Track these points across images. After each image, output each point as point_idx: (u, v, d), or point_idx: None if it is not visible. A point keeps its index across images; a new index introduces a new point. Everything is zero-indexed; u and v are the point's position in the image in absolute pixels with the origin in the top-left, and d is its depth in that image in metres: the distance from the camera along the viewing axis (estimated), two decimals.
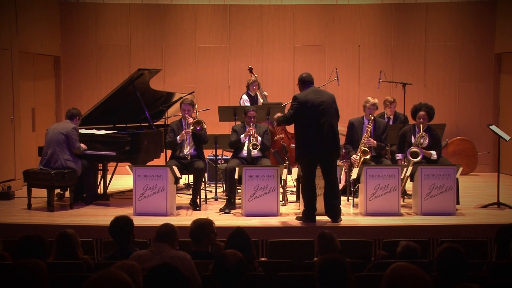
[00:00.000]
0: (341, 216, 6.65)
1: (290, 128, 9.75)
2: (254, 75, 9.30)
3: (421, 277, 2.74)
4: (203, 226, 4.64)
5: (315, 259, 4.91)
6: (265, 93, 9.30)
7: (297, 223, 6.67)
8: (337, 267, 3.27)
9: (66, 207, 7.47)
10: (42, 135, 7.60)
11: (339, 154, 6.84)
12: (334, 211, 6.58)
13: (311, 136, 6.45)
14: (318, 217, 6.64)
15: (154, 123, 8.27)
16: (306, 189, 6.59)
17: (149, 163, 7.96)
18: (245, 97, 9.06)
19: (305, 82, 6.66)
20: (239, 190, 7.55)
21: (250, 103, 8.89)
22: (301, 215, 6.70)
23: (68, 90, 10.67)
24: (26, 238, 4.04)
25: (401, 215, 6.97)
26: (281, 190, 7.49)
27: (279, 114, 6.83)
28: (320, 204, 6.69)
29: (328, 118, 6.47)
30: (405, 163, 7.46)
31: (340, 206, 6.66)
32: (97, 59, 10.73)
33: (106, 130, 8.04)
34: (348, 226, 6.54)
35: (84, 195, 7.81)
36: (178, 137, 7.56)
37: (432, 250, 5.99)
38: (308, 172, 6.56)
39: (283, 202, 7.61)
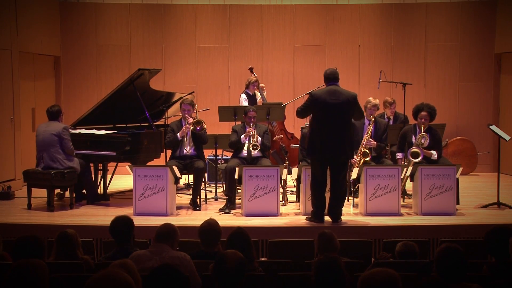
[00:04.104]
0: (341, 217, 6.65)
1: (290, 128, 9.80)
2: (254, 74, 9.31)
3: (390, 273, 2.83)
4: (217, 233, 4.60)
5: (315, 259, 4.92)
6: (262, 84, 9.31)
7: (297, 223, 6.67)
8: (333, 268, 3.28)
9: (66, 207, 7.47)
10: None
11: (350, 156, 6.79)
12: (336, 212, 6.58)
13: (322, 136, 6.41)
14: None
15: (154, 123, 8.27)
16: (316, 188, 6.56)
17: (149, 163, 7.97)
18: (244, 96, 9.07)
19: (326, 79, 6.58)
20: (239, 190, 7.55)
21: (248, 102, 8.90)
22: (310, 216, 6.68)
23: (68, 90, 10.68)
24: (22, 239, 4.04)
25: (401, 215, 6.98)
26: (281, 190, 7.48)
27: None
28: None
29: (341, 120, 6.41)
30: (405, 163, 7.46)
31: (342, 208, 6.67)
32: (97, 59, 10.73)
33: (106, 130, 8.03)
34: (348, 226, 6.54)
35: (84, 191, 7.81)
36: (178, 133, 7.56)
37: (432, 250, 5.99)
38: (319, 172, 6.53)
39: (283, 202, 7.60)
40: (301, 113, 6.64)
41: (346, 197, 7.70)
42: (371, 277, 2.85)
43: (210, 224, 4.61)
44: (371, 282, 2.83)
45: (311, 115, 6.66)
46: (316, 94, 6.49)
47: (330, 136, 6.39)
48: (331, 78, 6.57)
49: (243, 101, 9.01)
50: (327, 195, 6.65)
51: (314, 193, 6.58)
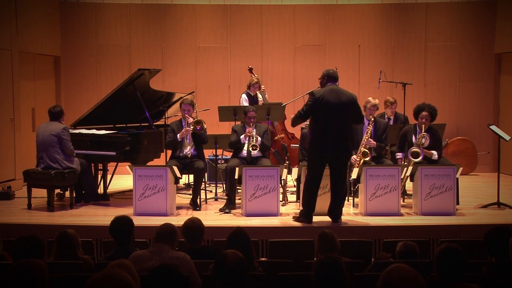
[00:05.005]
0: (341, 217, 6.65)
1: (290, 128, 9.80)
2: (254, 75, 9.31)
3: (416, 280, 2.76)
4: (200, 229, 4.69)
5: (315, 259, 4.92)
6: (262, 86, 9.32)
7: (297, 223, 6.65)
8: (334, 268, 3.28)
9: (66, 207, 7.47)
10: None
11: (350, 156, 6.81)
12: (336, 212, 6.58)
13: (324, 136, 6.38)
14: (318, 217, 6.64)
15: (154, 123, 8.27)
16: (310, 189, 6.55)
17: (149, 163, 7.97)
18: (244, 96, 9.08)
19: (330, 78, 6.51)
20: (239, 190, 7.55)
21: (249, 103, 8.90)
22: (298, 215, 6.68)
23: (68, 90, 10.68)
24: (22, 239, 4.04)
25: (401, 215, 6.97)
26: (281, 190, 7.48)
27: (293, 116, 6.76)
28: (321, 204, 6.67)
29: (342, 120, 6.39)
30: (405, 163, 7.46)
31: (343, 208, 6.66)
32: (97, 59, 10.73)
33: (106, 130, 8.03)
34: (348, 226, 6.54)
35: (83, 192, 7.81)
36: (178, 135, 7.56)
37: (432, 250, 6.00)
38: (315, 172, 6.52)
39: (283, 202, 7.60)
40: (303, 116, 6.50)
41: (346, 197, 7.72)
42: (395, 273, 2.79)
43: (193, 221, 4.71)
44: (396, 277, 2.77)
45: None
46: (319, 93, 6.43)
47: (332, 136, 6.37)
48: (334, 77, 6.54)
49: (243, 101, 9.01)
50: (324, 196, 6.65)
51: (308, 193, 6.56)
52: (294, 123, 6.77)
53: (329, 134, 6.37)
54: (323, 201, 6.72)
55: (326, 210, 6.65)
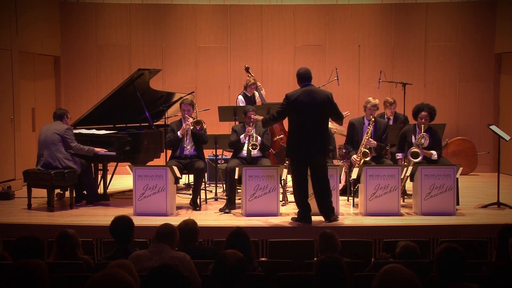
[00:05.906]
0: (341, 216, 6.64)
1: None
2: (250, 74, 9.29)
3: (412, 281, 2.76)
4: (193, 231, 4.73)
5: (315, 259, 4.92)
6: (258, 83, 9.26)
7: (296, 223, 6.64)
8: (335, 268, 3.28)
9: (66, 207, 7.47)
10: None
11: (327, 155, 6.81)
12: (327, 210, 6.55)
13: (300, 137, 6.39)
14: (318, 217, 6.63)
15: (154, 123, 8.27)
16: (296, 189, 6.57)
17: (149, 163, 7.97)
18: (240, 97, 9.05)
19: (301, 78, 6.50)
20: (239, 190, 7.55)
21: (246, 104, 8.88)
22: (296, 216, 6.68)
23: (68, 90, 10.68)
24: (22, 239, 4.04)
25: (401, 215, 6.97)
26: (281, 190, 7.48)
27: (261, 118, 6.92)
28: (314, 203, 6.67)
29: (318, 121, 6.40)
30: (405, 163, 7.46)
31: (332, 204, 6.60)
32: (97, 59, 10.73)
33: (106, 130, 8.04)
34: (348, 226, 6.53)
35: (85, 192, 7.81)
36: (179, 132, 7.56)
37: (432, 250, 6.00)
38: (298, 173, 6.52)
39: (283, 202, 7.60)
40: (276, 118, 6.59)
41: (347, 197, 7.73)
42: (391, 274, 2.78)
43: (187, 223, 4.74)
44: (392, 279, 2.77)
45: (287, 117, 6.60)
46: (293, 96, 6.41)
47: (308, 137, 6.38)
48: (306, 77, 6.50)
49: (240, 102, 8.98)
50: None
51: (297, 194, 6.57)
52: (266, 124, 6.93)
53: (305, 135, 6.37)
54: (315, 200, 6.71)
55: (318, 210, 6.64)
